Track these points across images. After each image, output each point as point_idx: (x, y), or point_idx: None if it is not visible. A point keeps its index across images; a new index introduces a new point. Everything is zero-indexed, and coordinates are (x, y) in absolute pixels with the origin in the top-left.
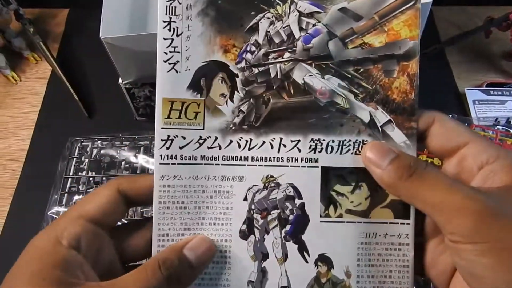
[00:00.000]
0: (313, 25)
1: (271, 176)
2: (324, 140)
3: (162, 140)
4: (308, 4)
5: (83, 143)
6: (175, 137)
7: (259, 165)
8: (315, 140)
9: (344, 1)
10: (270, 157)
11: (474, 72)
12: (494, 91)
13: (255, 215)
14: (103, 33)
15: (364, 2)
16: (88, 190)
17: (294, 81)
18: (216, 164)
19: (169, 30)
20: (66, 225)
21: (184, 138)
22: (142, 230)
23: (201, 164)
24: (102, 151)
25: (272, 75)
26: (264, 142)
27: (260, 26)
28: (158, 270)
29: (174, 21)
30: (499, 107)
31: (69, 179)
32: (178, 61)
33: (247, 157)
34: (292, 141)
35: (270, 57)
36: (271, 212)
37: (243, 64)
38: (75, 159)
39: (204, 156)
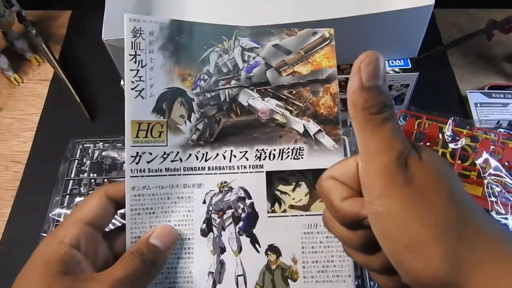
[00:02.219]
0: (253, 58)
1: (225, 182)
2: (267, 149)
3: (132, 157)
4: (248, 41)
5: (84, 145)
6: (143, 154)
7: (214, 173)
8: (260, 150)
9: (277, 39)
10: (223, 166)
11: (476, 75)
12: (496, 94)
13: (212, 215)
14: (105, 35)
15: (292, 40)
16: (89, 191)
17: (240, 104)
18: (178, 175)
19: (135, 62)
20: (67, 228)
21: (150, 154)
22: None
23: (166, 175)
24: (103, 153)
25: (222, 99)
26: (217, 154)
27: (211, 58)
28: (133, 257)
29: (139, 55)
30: (501, 110)
31: (71, 181)
32: (143, 89)
33: (204, 167)
34: (240, 152)
35: (219, 84)
36: (226, 212)
37: (198, 90)
38: (76, 161)
39: (168, 168)
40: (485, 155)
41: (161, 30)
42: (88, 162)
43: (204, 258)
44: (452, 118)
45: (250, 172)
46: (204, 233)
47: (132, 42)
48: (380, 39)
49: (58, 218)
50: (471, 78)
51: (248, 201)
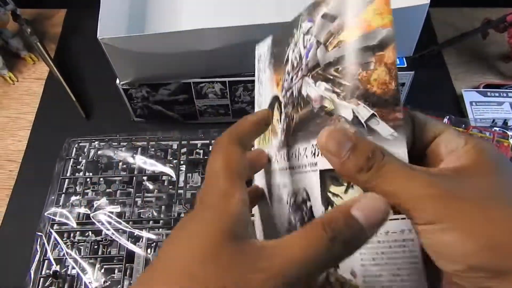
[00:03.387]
0: (309, 40)
1: (297, 181)
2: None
3: None
4: (307, 22)
5: (80, 144)
6: None
7: (291, 172)
8: (314, 145)
9: (324, 7)
10: (295, 165)
11: (471, 74)
12: (491, 93)
13: (291, 215)
14: (100, 33)
15: (339, 2)
16: (85, 191)
17: (302, 95)
18: (275, 172)
19: (257, 81)
20: (230, 181)
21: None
22: None
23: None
24: (99, 152)
25: (294, 95)
26: (292, 153)
27: (289, 56)
28: (321, 231)
29: (259, 75)
30: (496, 109)
31: (66, 180)
32: (260, 100)
33: (287, 167)
34: (303, 148)
35: (293, 79)
36: (297, 213)
37: (283, 92)
38: (72, 159)
39: (273, 168)
40: None
41: (268, 50)
42: (84, 161)
43: None
44: (448, 116)
45: (308, 171)
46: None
47: (256, 67)
48: None
49: (53, 217)
50: (466, 77)
51: (308, 204)
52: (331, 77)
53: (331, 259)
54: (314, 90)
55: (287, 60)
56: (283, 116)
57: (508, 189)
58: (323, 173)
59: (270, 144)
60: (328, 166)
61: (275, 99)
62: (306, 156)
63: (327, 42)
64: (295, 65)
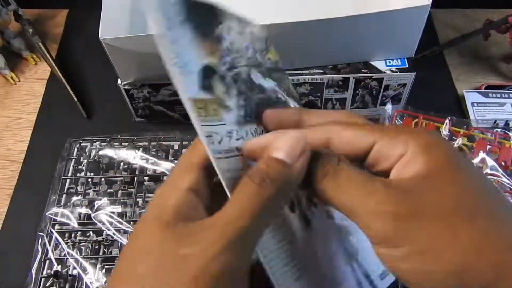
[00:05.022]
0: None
1: None
2: None
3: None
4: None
5: (81, 144)
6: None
7: None
8: None
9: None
10: None
11: (473, 75)
12: (493, 94)
13: None
14: (102, 34)
15: None
16: (86, 191)
17: (253, 82)
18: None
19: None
20: (182, 172)
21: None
22: None
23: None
24: (100, 152)
25: (244, 77)
26: (262, 131)
27: (223, 36)
28: (249, 182)
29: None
30: (498, 110)
31: (68, 180)
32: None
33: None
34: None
35: (235, 62)
36: None
37: (222, 66)
38: (73, 160)
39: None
40: (481, 155)
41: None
42: (85, 161)
43: None
44: (449, 117)
45: None
46: None
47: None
48: (377, 39)
49: (54, 217)
50: (468, 78)
51: None
52: (275, 79)
53: (267, 204)
54: (266, 83)
55: (220, 38)
56: (234, 91)
57: (469, 197)
58: None
59: (219, 117)
60: None
61: (209, 69)
62: None
63: (263, 51)
64: (230, 48)
